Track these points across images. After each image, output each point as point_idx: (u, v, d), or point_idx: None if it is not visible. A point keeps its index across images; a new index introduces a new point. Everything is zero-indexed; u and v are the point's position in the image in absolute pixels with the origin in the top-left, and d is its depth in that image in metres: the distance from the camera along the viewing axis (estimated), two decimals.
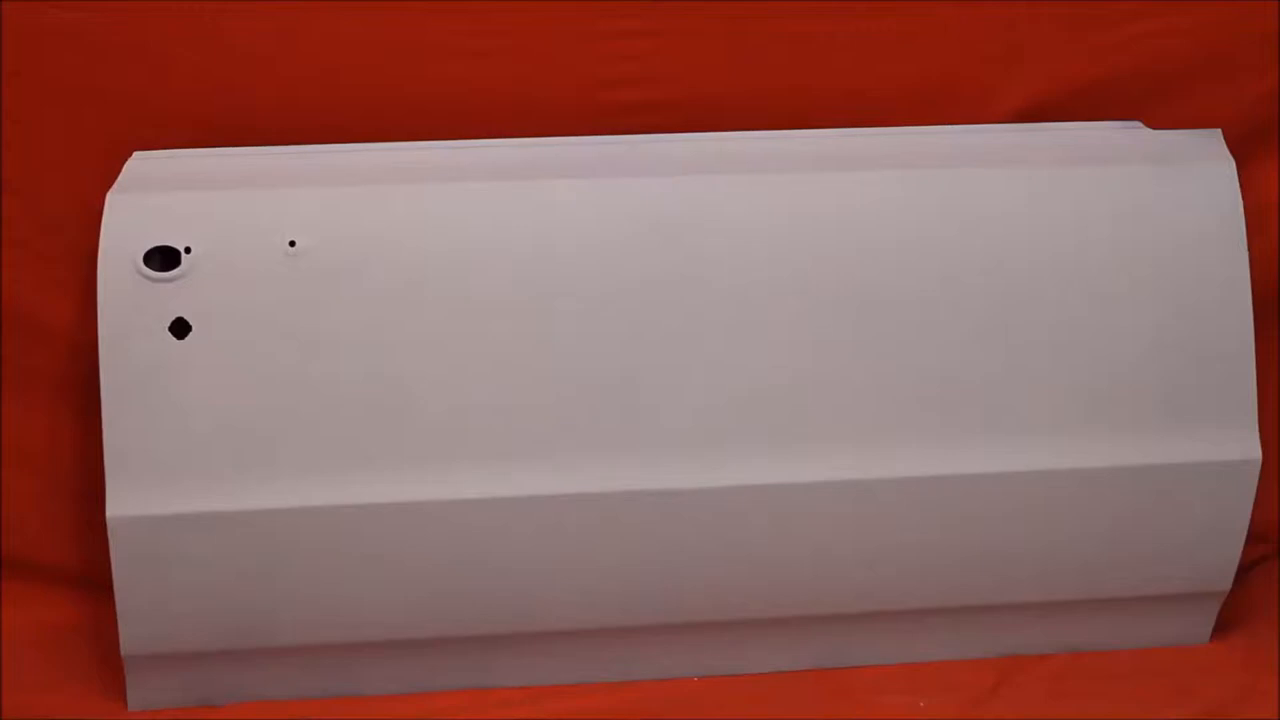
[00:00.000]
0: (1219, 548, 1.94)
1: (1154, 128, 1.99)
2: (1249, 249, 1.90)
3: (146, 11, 1.91)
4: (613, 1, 1.96)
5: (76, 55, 1.91)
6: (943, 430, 1.86)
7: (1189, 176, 1.91)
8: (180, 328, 1.78)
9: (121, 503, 1.78)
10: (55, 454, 1.99)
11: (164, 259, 1.79)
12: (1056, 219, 1.88)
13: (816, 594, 1.90)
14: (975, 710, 1.86)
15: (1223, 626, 2.00)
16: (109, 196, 1.81)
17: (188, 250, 1.79)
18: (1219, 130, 1.96)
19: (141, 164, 1.87)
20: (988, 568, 1.91)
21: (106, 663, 1.89)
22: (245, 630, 1.84)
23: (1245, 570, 2.03)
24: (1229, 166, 1.91)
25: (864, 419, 1.85)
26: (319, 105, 1.94)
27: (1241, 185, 1.91)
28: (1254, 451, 1.90)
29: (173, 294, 1.78)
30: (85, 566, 2.00)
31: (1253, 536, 1.97)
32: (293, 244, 1.80)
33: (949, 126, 1.99)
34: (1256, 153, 2.03)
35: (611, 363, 1.82)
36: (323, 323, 1.79)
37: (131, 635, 1.82)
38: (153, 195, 1.81)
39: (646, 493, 1.83)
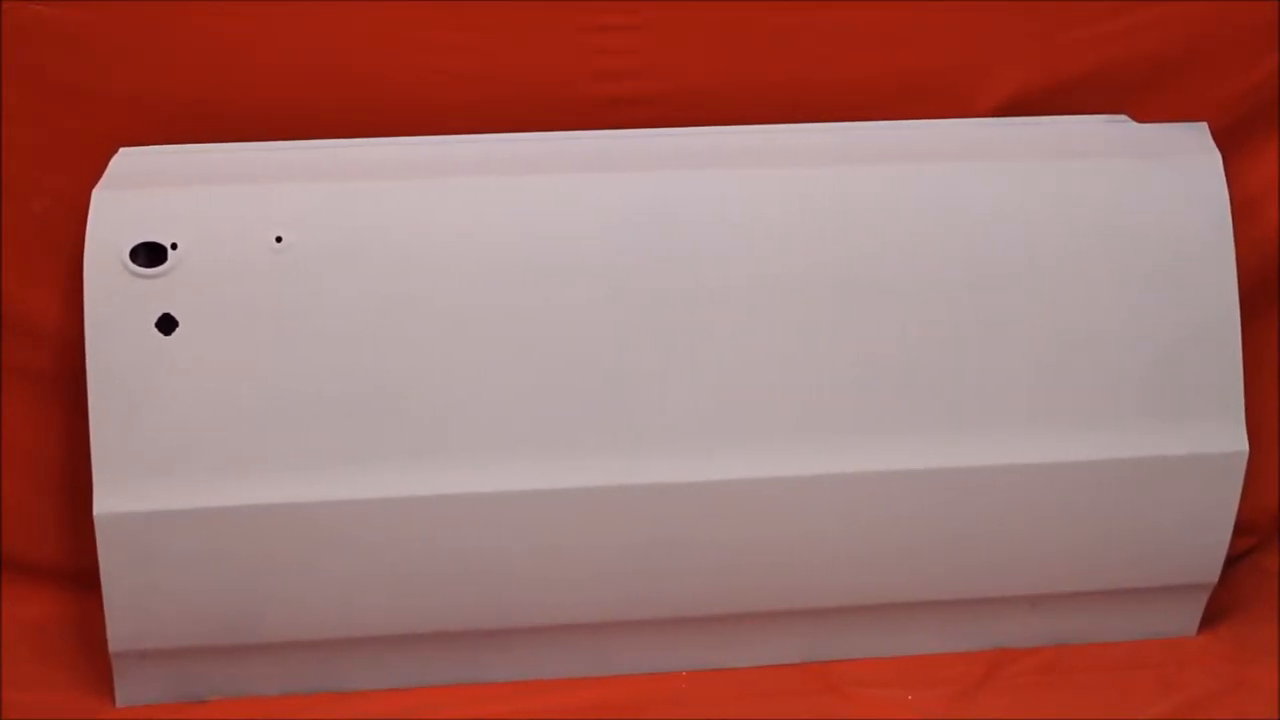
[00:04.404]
0: (1206, 540, 1.94)
1: (1140, 121, 2.00)
2: (1235, 241, 1.90)
3: (132, 9, 1.90)
4: None
5: (62, 52, 1.90)
6: (929, 424, 1.86)
7: (1175, 170, 1.91)
8: (167, 324, 1.78)
9: (109, 499, 1.78)
10: (42, 451, 1.99)
11: (150, 255, 1.79)
12: (1043, 212, 1.88)
13: (805, 588, 1.90)
14: (963, 703, 1.86)
15: (1210, 619, 2.00)
16: (95, 193, 1.81)
17: (174, 246, 1.79)
18: (1205, 123, 1.96)
19: (127, 160, 1.87)
20: (975, 561, 1.91)
21: (94, 659, 1.89)
22: (232, 626, 1.84)
23: (1232, 563, 2.03)
24: (1215, 159, 1.92)
25: (852, 413, 1.86)
26: (306, 101, 1.94)
27: (1227, 178, 1.91)
28: (1241, 444, 1.91)
29: (159, 290, 1.78)
30: (73, 563, 2.00)
31: (1240, 529, 1.97)
32: (279, 239, 1.80)
33: (936, 120, 1.99)
34: (1243, 145, 2.03)
35: (599, 357, 1.82)
36: (309, 318, 1.79)
37: (119, 631, 1.82)
38: (139, 191, 1.81)
39: (633, 487, 1.83)
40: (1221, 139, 1.94)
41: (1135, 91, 2.03)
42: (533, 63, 1.96)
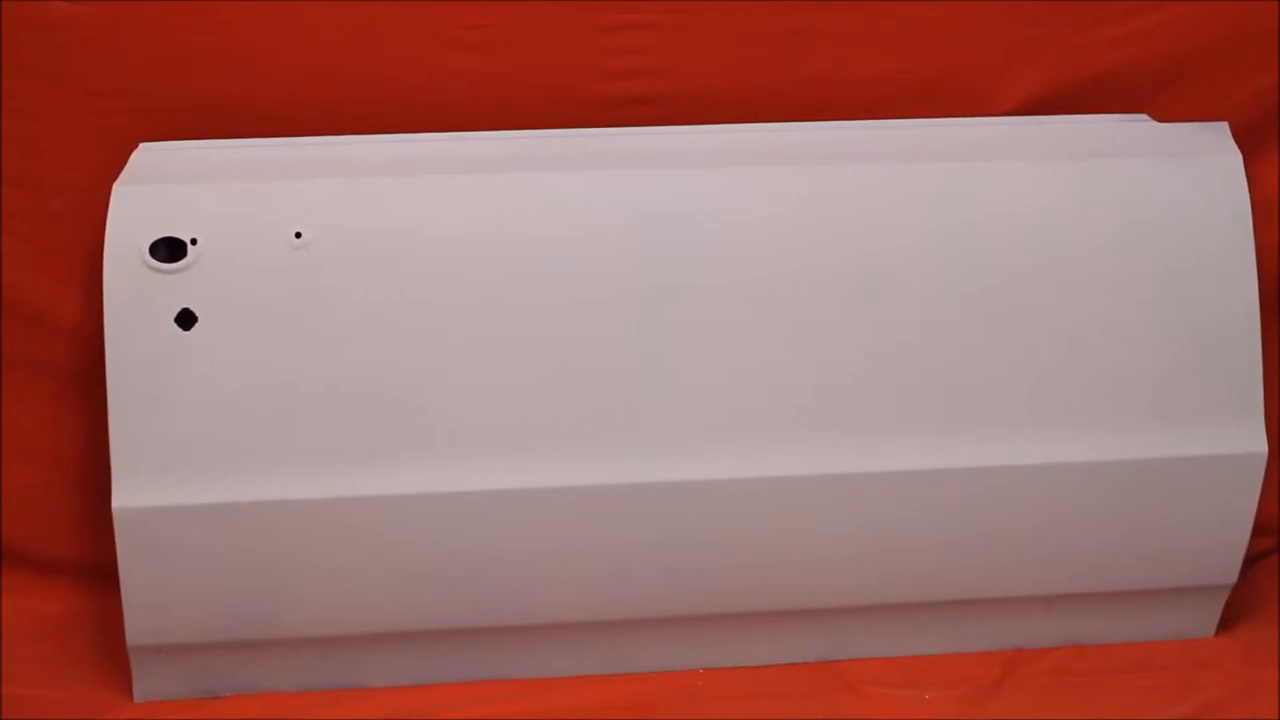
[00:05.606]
0: (1225, 541, 1.94)
1: (1160, 120, 1.99)
2: (1256, 241, 1.90)
3: (148, 7, 1.91)
4: None
5: (82, 47, 1.91)
6: (948, 423, 1.86)
7: (1196, 169, 1.91)
8: (186, 319, 1.78)
9: (127, 494, 1.78)
10: (61, 446, 1.99)
11: (170, 250, 1.79)
12: (1063, 212, 1.88)
13: (821, 587, 1.90)
14: (979, 703, 1.86)
15: (1228, 620, 2.00)
16: (115, 188, 1.81)
17: (193, 241, 1.79)
18: (1226, 123, 1.95)
19: (147, 155, 1.88)
20: (992, 561, 1.91)
21: (112, 654, 1.90)
22: (250, 621, 1.84)
23: (1250, 564, 2.02)
24: (1236, 159, 1.91)
25: (867, 412, 1.85)
26: (323, 97, 1.94)
27: (1248, 177, 1.90)
28: (1260, 445, 1.90)
29: (178, 285, 1.78)
30: (91, 558, 2.00)
31: (1258, 530, 1.97)
32: (299, 235, 1.80)
33: (955, 119, 1.99)
34: (1263, 145, 2.03)
35: (612, 355, 1.82)
36: (328, 314, 1.79)
37: (137, 626, 1.82)
38: (159, 187, 1.82)
39: (647, 485, 1.83)
40: (1242, 138, 1.94)
41: (1156, 91, 2.02)
42: (545, 63, 1.97)
